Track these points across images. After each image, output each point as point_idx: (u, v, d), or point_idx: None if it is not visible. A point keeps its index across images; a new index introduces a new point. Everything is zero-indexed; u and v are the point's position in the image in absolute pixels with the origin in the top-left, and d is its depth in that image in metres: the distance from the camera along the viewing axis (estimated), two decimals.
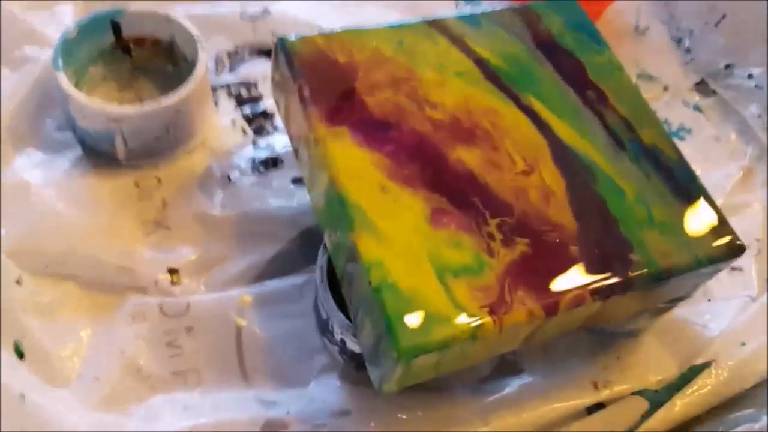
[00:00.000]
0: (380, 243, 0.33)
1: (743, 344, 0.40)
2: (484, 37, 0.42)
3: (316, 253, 0.43)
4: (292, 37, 0.39)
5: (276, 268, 0.42)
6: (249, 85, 0.49)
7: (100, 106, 0.41)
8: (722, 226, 0.37)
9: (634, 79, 0.55)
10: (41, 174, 0.43)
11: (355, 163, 0.35)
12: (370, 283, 0.32)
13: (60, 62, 0.42)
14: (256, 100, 0.49)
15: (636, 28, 0.59)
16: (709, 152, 0.52)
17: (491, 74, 0.40)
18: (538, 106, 0.40)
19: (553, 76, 0.41)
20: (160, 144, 0.44)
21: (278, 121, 0.48)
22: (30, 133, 0.45)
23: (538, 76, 0.41)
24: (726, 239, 0.37)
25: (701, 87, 0.56)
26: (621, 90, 0.42)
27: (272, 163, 0.46)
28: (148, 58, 0.48)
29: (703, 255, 0.36)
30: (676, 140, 0.53)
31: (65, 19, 0.48)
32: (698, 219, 0.37)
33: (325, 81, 0.38)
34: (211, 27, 0.51)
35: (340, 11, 0.55)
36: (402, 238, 0.33)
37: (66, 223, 0.41)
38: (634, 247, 0.35)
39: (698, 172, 0.51)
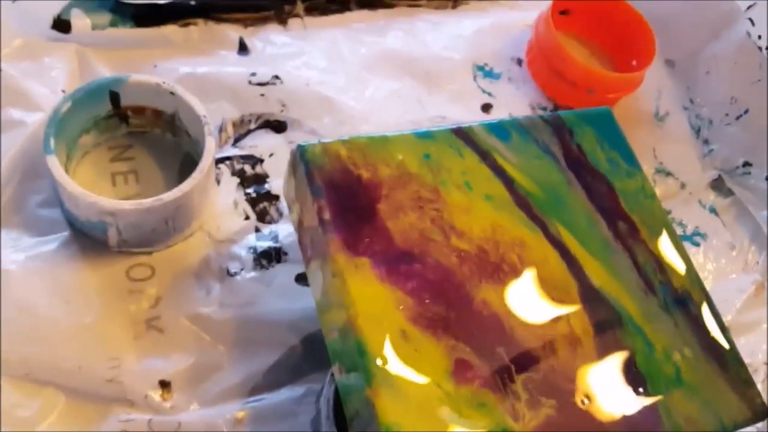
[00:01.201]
0: (399, 402, 0.31)
1: None
2: (514, 153, 0.39)
3: (318, 360, 0.41)
4: (313, 143, 0.36)
5: (274, 378, 0.40)
6: (254, 161, 0.46)
7: (94, 199, 0.37)
8: (749, 388, 0.36)
9: (651, 174, 0.53)
10: (22, 260, 0.39)
11: (375, 303, 0.33)
12: None
13: (51, 143, 0.38)
14: (261, 179, 0.45)
15: (656, 114, 0.57)
16: (723, 262, 0.51)
17: (521, 199, 0.38)
18: (567, 238, 0.38)
19: (584, 203, 0.39)
20: (157, 235, 0.40)
21: (283, 205, 0.45)
22: (11, 209, 0.41)
23: (568, 203, 0.39)
24: (752, 403, 0.36)
25: (718, 184, 0.55)
26: (653, 222, 0.40)
27: (275, 256, 0.43)
28: (146, 125, 0.44)
29: (728, 421, 0.35)
30: (691, 246, 0.52)
31: (58, 77, 0.44)
32: (725, 379, 0.36)
33: (348, 202, 0.35)
34: (216, 91, 0.47)
35: (352, 79, 0.51)
36: (423, 396, 0.31)
37: (49, 322, 0.37)
38: (660, 413, 0.34)
39: (710, 283, 0.50)
